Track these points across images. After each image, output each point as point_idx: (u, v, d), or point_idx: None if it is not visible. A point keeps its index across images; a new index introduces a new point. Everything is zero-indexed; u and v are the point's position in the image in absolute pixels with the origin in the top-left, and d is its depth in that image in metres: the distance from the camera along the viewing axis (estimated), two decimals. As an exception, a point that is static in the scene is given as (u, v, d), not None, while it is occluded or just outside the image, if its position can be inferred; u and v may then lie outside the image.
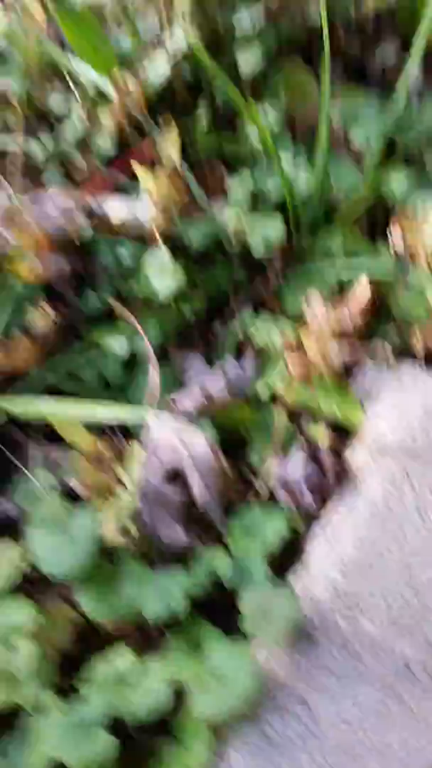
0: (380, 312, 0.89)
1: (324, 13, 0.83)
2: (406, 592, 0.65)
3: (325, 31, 0.83)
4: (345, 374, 0.85)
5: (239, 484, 0.78)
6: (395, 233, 0.61)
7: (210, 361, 0.86)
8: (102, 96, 0.93)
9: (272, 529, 0.70)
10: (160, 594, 0.65)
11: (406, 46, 1.16)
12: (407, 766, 0.59)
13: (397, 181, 0.87)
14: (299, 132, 1.01)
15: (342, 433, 0.80)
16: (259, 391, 0.81)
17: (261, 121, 0.80)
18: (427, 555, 0.67)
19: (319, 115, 0.86)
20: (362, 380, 0.83)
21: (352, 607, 0.64)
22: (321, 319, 0.84)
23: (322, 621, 0.64)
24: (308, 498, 0.72)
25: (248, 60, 0.95)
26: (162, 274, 0.82)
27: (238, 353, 0.86)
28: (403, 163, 0.93)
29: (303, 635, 0.63)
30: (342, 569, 0.66)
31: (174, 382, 0.83)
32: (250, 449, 0.79)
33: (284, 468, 0.74)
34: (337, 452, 0.78)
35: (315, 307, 0.72)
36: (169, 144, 0.80)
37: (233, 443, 0.80)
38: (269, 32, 0.96)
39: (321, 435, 0.78)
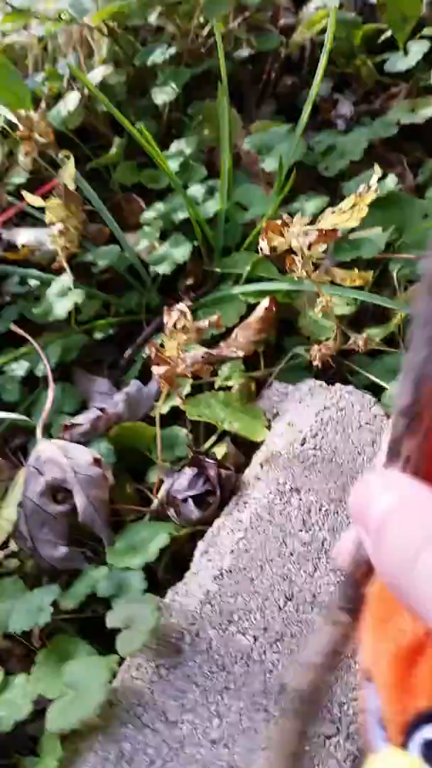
0: (291, 332, 0.90)
1: (221, 53, 0.87)
2: (284, 603, 0.63)
3: (223, 69, 0.86)
4: (253, 392, 0.85)
5: (137, 502, 0.77)
6: (262, 241, 0.61)
7: (119, 385, 0.86)
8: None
9: (155, 544, 0.68)
10: (30, 609, 0.63)
11: (344, 82, 1.21)
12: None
13: (301, 203, 0.89)
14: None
15: (248, 449, 0.79)
16: (163, 410, 0.81)
17: (162, 157, 0.82)
18: (306, 563, 0.65)
19: (220, 145, 0.88)
20: (269, 397, 0.82)
21: (225, 618, 0.62)
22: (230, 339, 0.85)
23: (194, 634, 0.62)
24: (195, 513, 0.71)
25: (160, 95, 0.99)
26: (62, 297, 0.83)
27: (148, 376, 0.86)
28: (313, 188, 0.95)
29: (172, 649, 0.61)
30: (219, 580, 0.64)
31: (78, 404, 0.84)
32: (152, 469, 0.78)
33: (173, 483, 0.73)
34: (238, 469, 0.77)
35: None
36: (66, 174, 0.82)
37: (136, 463, 0.80)
38: (181, 69, 1.00)
39: (219, 451, 0.77)
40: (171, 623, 0.62)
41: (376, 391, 0.80)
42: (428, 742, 0.27)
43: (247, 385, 0.85)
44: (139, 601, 0.62)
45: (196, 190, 0.91)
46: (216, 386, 0.83)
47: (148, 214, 0.92)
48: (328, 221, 0.59)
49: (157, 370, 0.60)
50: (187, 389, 0.82)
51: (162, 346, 0.61)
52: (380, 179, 0.92)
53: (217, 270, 0.89)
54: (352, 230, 0.90)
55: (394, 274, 0.83)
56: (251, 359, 0.86)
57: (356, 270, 0.71)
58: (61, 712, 0.57)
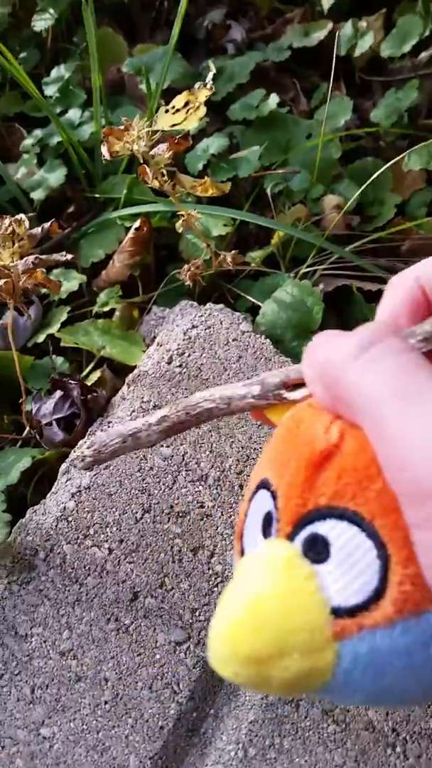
0: (173, 258, 0.88)
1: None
2: (141, 515, 0.62)
3: None
4: (137, 319, 0.84)
5: (12, 429, 0.76)
6: (103, 147, 0.60)
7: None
8: None
9: (18, 467, 0.67)
10: None
11: (241, 10, 1.18)
12: (119, 687, 0.56)
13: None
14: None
15: (126, 376, 0.78)
16: (39, 339, 0.79)
17: (25, 77, 0.79)
18: (166, 476, 0.64)
19: (91, 66, 0.85)
20: (148, 322, 0.81)
21: (81, 533, 0.62)
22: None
23: (48, 550, 0.61)
24: (59, 435, 0.70)
25: (39, 22, 0.95)
26: None
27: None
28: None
29: (25, 565, 0.60)
30: (76, 497, 0.63)
31: None
32: (28, 399, 0.77)
33: (40, 408, 0.72)
34: (114, 393, 0.76)
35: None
36: None
37: (14, 395, 0.78)
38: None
39: (94, 377, 0.76)
40: (26, 541, 0.61)
41: (257, 312, 0.79)
42: (313, 536, 0.30)
43: (129, 311, 0.84)
44: (-8, 521, 0.61)
45: (74, 113, 0.89)
46: (93, 313, 0.82)
47: (27, 141, 0.90)
48: (163, 121, 0.57)
49: (-4, 284, 0.58)
50: (63, 316, 0.80)
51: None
52: (263, 99, 0.91)
53: (98, 196, 0.87)
54: (230, 150, 0.88)
55: (268, 191, 0.82)
56: (132, 286, 0.85)
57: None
58: None
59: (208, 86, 0.56)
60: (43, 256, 0.54)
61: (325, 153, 0.87)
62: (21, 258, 0.56)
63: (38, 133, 0.90)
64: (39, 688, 0.56)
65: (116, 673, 0.56)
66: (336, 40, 0.99)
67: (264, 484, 0.33)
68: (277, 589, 0.29)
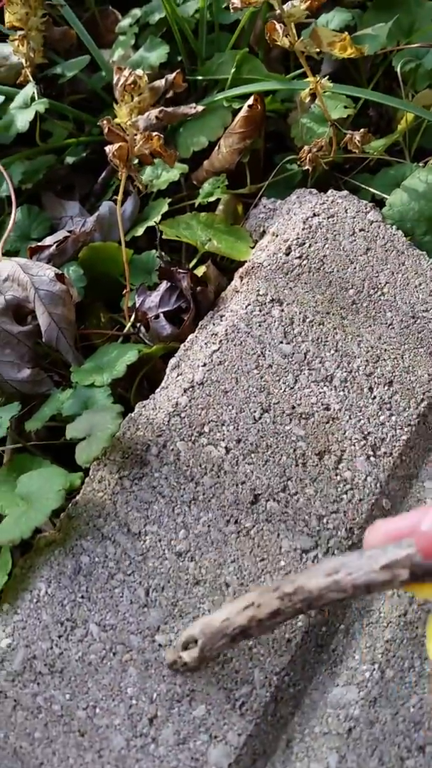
0: (283, 148, 0.80)
1: None
2: (260, 415, 0.57)
3: None
4: (240, 214, 0.77)
5: (110, 329, 0.71)
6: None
7: (93, 212, 0.78)
8: None
9: (123, 361, 0.62)
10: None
11: None
12: (241, 594, 0.51)
13: None
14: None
15: (232, 273, 0.72)
16: (137, 232, 0.73)
17: None
18: (286, 375, 0.58)
19: None
20: (256, 216, 0.74)
21: (195, 430, 0.56)
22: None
23: (161, 445, 0.56)
24: (167, 329, 0.64)
25: None
26: (25, 109, 0.74)
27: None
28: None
29: (137, 460, 0.55)
30: (189, 393, 0.58)
31: (47, 230, 0.76)
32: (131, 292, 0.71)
33: (145, 300, 0.66)
34: (219, 291, 0.70)
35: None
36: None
37: (111, 292, 0.73)
38: None
39: (198, 273, 0.70)
40: (137, 435, 0.56)
41: (379, 207, 0.71)
42: None
43: (233, 205, 0.77)
44: (101, 412, 0.56)
45: (176, -11, 0.80)
46: (196, 204, 0.75)
47: (124, 22, 0.82)
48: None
49: (109, 150, 0.52)
50: (164, 208, 0.74)
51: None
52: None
53: (200, 78, 0.79)
54: (355, 28, 0.79)
55: (397, 69, 0.73)
56: (237, 177, 0.78)
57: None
58: (14, 523, 0.52)
59: None
60: (169, 109, 0.47)
61: (456, 33, 0.77)
62: (141, 114, 0.49)
63: (136, 12, 0.83)
64: (154, 591, 0.51)
65: (237, 579, 0.51)
66: None
67: None
68: None
